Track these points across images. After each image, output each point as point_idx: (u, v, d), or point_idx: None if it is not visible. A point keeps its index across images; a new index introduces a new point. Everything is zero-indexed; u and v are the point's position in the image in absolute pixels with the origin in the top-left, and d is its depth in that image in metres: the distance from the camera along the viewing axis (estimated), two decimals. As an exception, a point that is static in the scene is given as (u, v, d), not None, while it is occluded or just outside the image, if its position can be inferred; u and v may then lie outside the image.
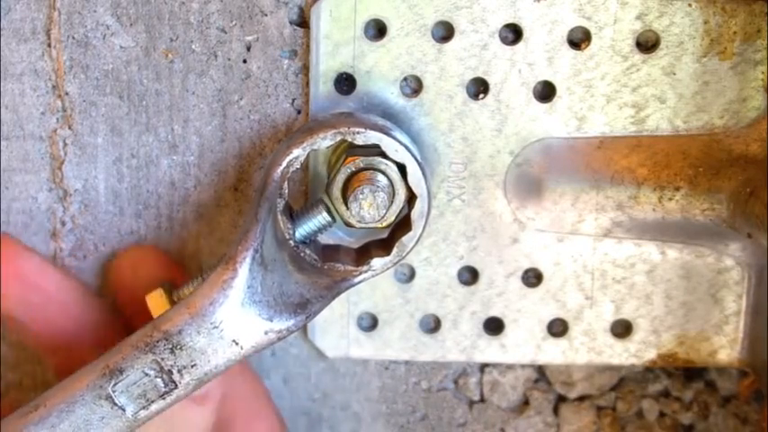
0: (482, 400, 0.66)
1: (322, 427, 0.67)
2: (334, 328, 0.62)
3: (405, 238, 0.56)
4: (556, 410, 0.66)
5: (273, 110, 0.60)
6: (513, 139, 0.59)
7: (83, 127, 0.61)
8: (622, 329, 0.63)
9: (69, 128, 0.61)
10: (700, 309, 0.62)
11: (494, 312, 0.62)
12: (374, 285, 0.61)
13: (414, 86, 0.59)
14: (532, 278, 0.62)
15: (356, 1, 0.57)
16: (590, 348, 0.63)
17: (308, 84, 0.59)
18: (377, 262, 0.56)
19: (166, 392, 0.53)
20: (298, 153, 0.54)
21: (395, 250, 0.56)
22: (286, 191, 0.54)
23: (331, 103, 0.58)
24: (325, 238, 0.59)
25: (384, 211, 0.55)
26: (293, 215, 0.56)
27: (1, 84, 0.60)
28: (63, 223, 0.63)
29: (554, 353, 0.63)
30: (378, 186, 0.54)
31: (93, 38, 0.59)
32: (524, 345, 0.63)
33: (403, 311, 0.62)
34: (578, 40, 0.58)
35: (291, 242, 0.56)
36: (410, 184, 0.55)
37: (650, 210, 0.59)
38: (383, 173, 0.55)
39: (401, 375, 0.66)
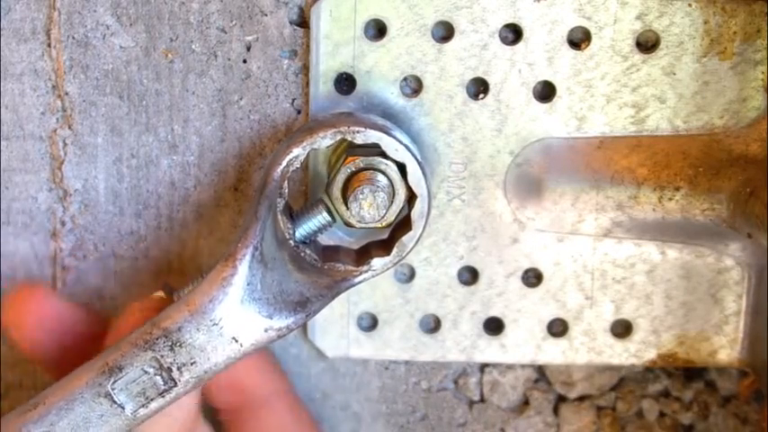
0: (482, 400, 0.66)
1: (322, 427, 0.66)
2: (334, 328, 0.62)
3: (405, 238, 0.56)
4: (556, 410, 0.66)
5: (273, 110, 0.60)
6: (513, 139, 0.59)
7: (83, 127, 0.61)
8: (622, 329, 0.63)
9: (69, 128, 0.61)
10: (700, 309, 0.62)
11: (494, 312, 0.62)
12: (374, 285, 0.61)
13: (414, 86, 0.59)
14: (532, 278, 0.62)
15: (356, 1, 0.57)
16: (590, 348, 0.63)
17: (308, 84, 0.59)
18: (377, 262, 0.56)
19: (166, 390, 0.53)
20: (298, 152, 0.54)
21: (395, 250, 0.56)
22: (286, 190, 0.54)
23: (331, 103, 0.58)
24: (325, 239, 0.59)
25: (384, 211, 0.55)
26: (293, 215, 0.56)
27: (1, 84, 0.60)
28: (63, 223, 0.63)
29: (554, 353, 0.63)
30: (378, 186, 0.54)
31: (93, 38, 0.59)
32: (524, 345, 0.63)
33: (403, 311, 0.62)
34: (578, 40, 0.58)
35: (291, 242, 0.56)
36: (410, 184, 0.55)
37: (650, 210, 0.59)
38: (383, 173, 0.55)
39: (401, 375, 0.66)
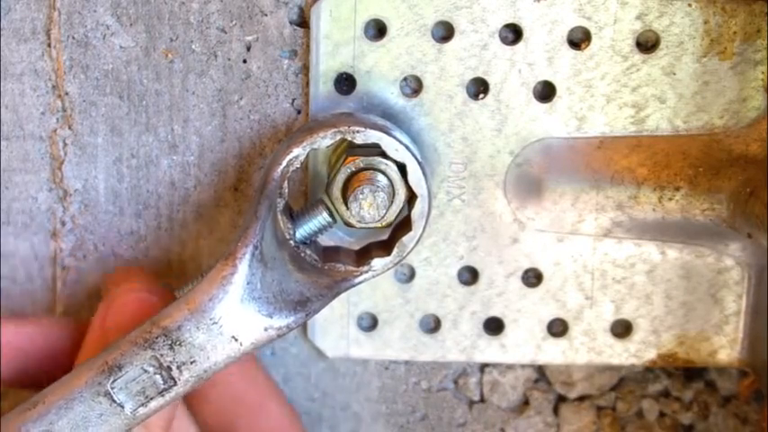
0: (482, 400, 0.66)
1: (322, 427, 0.66)
2: (334, 328, 0.62)
3: (405, 239, 0.56)
4: (556, 410, 0.66)
5: (273, 110, 0.60)
6: (513, 139, 0.59)
7: (83, 127, 0.61)
8: (622, 329, 0.62)
9: (69, 128, 0.61)
10: (700, 309, 0.62)
11: (494, 312, 0.62)
12: (374, 285, 0.61)
13: (414, 86, 0.59)
14: (532, 278, 0.62)
15: (356, 1, 0.57)
16: (590, 348, 0.63)
17: (308, 84, 0.59)
18: (377, 262, 0.56)
19: (165, 389, 0.53)
20: (298, 152, 0.54)
21: (395, 250, 0.56)
22: (286, 190, 0.54)
23: (331, 103, 0.58)
24: (325, 240, 0.59)
25: (384, 211, 0.55)
26: (293, 215, 0.56)
27: (1, 84, 0.60)
28: (63, 223, 0.63)
29: (554, 353, 0.63)
30: (378, 186, 0.54)
31: (93, 38, 0.59)
32: (524, 345, 0.63)
33: (403, 311, 0.62)
34: (578, 40, 0.58)
35: (292, 242, 0.56)
36: (411, 184, 0.55)
37: (650, 210, 0.59)
38: (383, 173, 0.55)
39: (401, 375, 0.66)
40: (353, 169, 0.55)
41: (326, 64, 0.58)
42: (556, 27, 0.57)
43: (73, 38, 0.59)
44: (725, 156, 0.59)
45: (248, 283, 0.52)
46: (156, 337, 0.52)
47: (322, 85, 0.58)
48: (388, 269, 0.56)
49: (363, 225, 0.55)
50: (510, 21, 0.57)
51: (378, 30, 0.58)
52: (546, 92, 0.58)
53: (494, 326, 0.62)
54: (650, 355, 0.63)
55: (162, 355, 0.52)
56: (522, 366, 0.65)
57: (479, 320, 0.62)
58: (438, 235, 0.61)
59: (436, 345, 0.63)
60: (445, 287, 0.62)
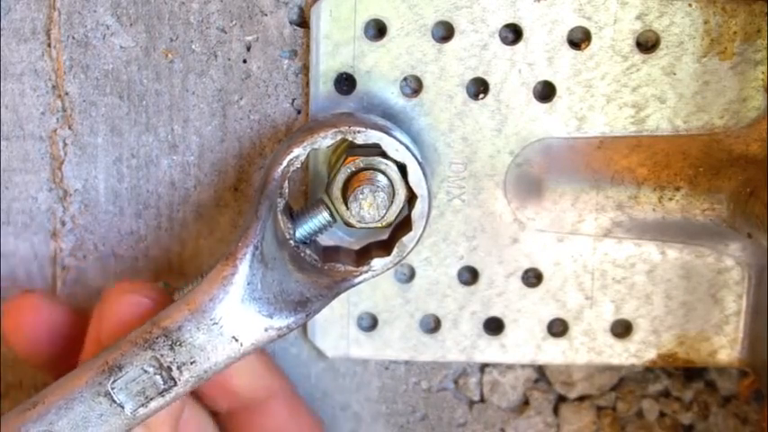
0: (482, 400, 0.66)
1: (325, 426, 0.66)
2: (334, 328, 0.62)
3: (405, 239, 0.56)
4: (556, 410, 0.66)
5: (273, 110, 0.60)
6: (513, 139, 0.59)
7: (83, 127, 0.61)
8: (622, 329, 0.62)
9: (69, 128, 0.61)
10: (700, 309, 0.62)
11: (494, 312, 0.62)
12: (374, 285, 0.61)
13: (414, 86, 0.59)
14: (532, 278, 0.62)
15: (356, 1, 0.57)
16: (590, 348, 0.63)
17: (308, 84, 0.59)
18: (377, 262, 0.56)
19: (165, 389, 0.53)
20: (298, 152, 0.54)
21: (395, 251, 0.56)
22: (286, 190, 0.54)
23: (331, 103, 0.58)
24: (325, 239, 0.59)
25: (384, 211, 0.55)
26: (293, 215, 0.56)
27: (1, 84, 0.60)
28: (63, 223, 0.63)
29: (554, 353, 0.63)
30: (378, 186, 0.54)
31: (93, 38, 0.59)
32: (524, 345, 0.63)
33: (403, 311, 0.62)
34: (578, 40, 0.58)
35: (292, 242, 0.56)
36: (411, 185, 0.55)
37: (650, 210, 0.59)
38: (383, 173, 0.55)
39: (401, 375, 0.66)
40: (353, 169, 0.55)
41: (326, 64, 0.58)
42: (556, 27, 0.57)
43: (73, 38, 0.59)
44: (725, 156, 0.58)
45: (249, 284, 0.52)
46: (157, 338, 0.52)
47: (322, 85, 0.58)
48: (388, 269, 0.56)
49: (363, 225, 0.55)
50: (510, 21, 0.57)
51: (378, 30, 0.58)
52: (546, 92, 0.58)
53: (494, 326, 0.62)
54: (650, 355, 0.63)
55: (162, 356, 0.52)
56: (522, 366, 0.65)
57: (479, 320, 0.62)
58: (438, 235, 0.61)
59: (436, 345, 0.63)
60: (445, 287, 0.62)
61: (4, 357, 0.65)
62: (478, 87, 0.58)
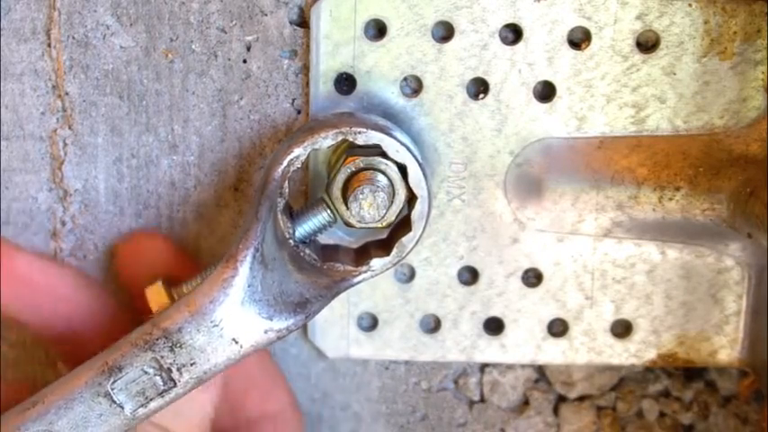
0: (482, 400, 0.66)
1: (322, 427, 0.67)
2: (335, 329, 0.62)
3: (404, 239, 0.56)
4: (556, 410, 0.66)
5: (273, 110, 0.60)
6: (513, 139, 0.59)
7: (83, 127, 0.61)
8: (622, 329, 0.63)
9: (69, 128, 0.61)
10: (700, 309, 0.62)
11: (494, 312, 0.62)
12: (374, 285, 0.61)
13: (414, 86, 0.59)
14: (532, 278, 0.62)
15: (356, 1, 0.57)
16: (590, 348, 0.63)
17: (308, 84, 0.59)
18: (376, 262, 0.56)
19: (165, 390, 0.53)
20: (299, 152, 0.54)
21: (394, 251, 0.56)
22: (286, 190, 0.54)
23: (331, 103, 0.58)
24: (324, 239, 0.59)
25: (384, 211, 0.55)
26: (293, 215, 0.56)
27: (1, 84, 0.60)
28: (63, 223, 0.63)
29: (554, 353, 0.63)
30: (378, 186, 0.54)
31: (93, 38, 0.59)
32: (524, 345, 0.63)
33: (403, 311, 0.62)
34: (578, 40, 0.58)
35: (291, 242, 0.56)
36: (411, 185, 0.55)
37: (650, 210, 0.59)
38: (383, 173, 0.55)
39: (401, 375, 0.66)
40: (353, 169, 0.55)
41: (326, 64, 0.58)
42: (556, 27, 0.57)
43: (73, 38, 0.59)
44: (725, 156, 0.58)
45: (249, 286, 0.52)
46: (157, 339, 0.52)
47: (322, 85, 0.58)
48: (387, 269, 0.56)
49: (363, 225, 0.55)
50: (510, 21, 0.57)
51: (378, 30, 0.58)
52: (546, 92, 0.58)
53: (494, 326, 0.62)
54: (650, 355, 0.63)
55: (162, 357, 0.52)
56: (522, 366, 0.65)
57: (479, 320, 0.62)
58: (438, 235, 0.61)
59: (436, 345, 0.63)
60: (445, 287, 0.62)
61: (4, 357, 0.65)
62: (478, 87, 0.58)
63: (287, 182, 0.54)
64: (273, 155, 0.55)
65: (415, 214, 0.55)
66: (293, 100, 0.60)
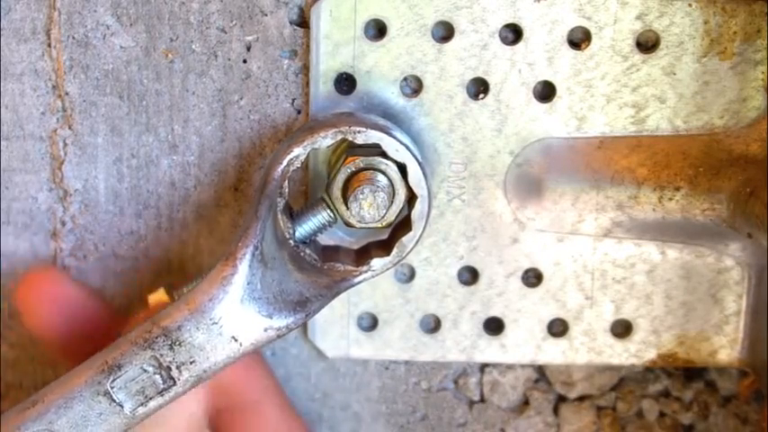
0: (482, 400, 0.66)
1: (322, 427, 0.66)
2: (335, 329, 0.62)
3: (405, 239, 0.56)
4: (556, 410, 0.66)
5: (273, 110, 0.60)
6: (513, 139, 0.59)
7: (83, 127, 0.61)
8: (622, 329, 0.62)
9: (69, 128, 0.61)
10: (700, 309, 0.62)
11: (494, 312, 0.62)
12: (374, 285, 0.61)
13: (414, 86, 0.59)
14: (532, 278, 0.62)
15: (356, 1, 0.57)
16: (590, 348, 0.63)
17: (308, 84, 0.59)
18: (377, 262, 0.56)
19: (165, 389, 0.53)
20: (298, 152, 0.54)
21: (395, 251, 0.56)
22: (286, 190, 0.54)
23: (331, 103, 0.58)
24: (324, 239, 0.59)
25: (384, 211, 0.55)
26: (293, 215, 0.56)
27: (1, 84, 0.60)
28: (63, 223, 0.63)
29: (554, 353, 0.63)
30: (378, 186, 0.54)
31: (93, 38, 0.59)
32: (524, 345, 0.63)
33: (403, 311, 0.62)
34: (578, 40, 0.58)
35: (291, 242, 0.56)
36: (411, 185, 0.55)
37: (650, 210, 0.59)
38: (383, 173, 0.55)
39: (401, 375, 0.66)
40: (353, 169, 0.55)
41: (326, 64, 0.58)
42: (556, 27, 0.57)
43: (73, 38, 0.59)
44: (725, 156, 0.58)
45: (248, 284, 0.52)
46: (156, 337, 0.52)
47: (322, 85, 0.58)
48: (388, 269, 0.56)
49: (363, 225, 0.55)
50: (510, 21, 0.57)
51: (378, 30, 0.58)
52: (546, 92, 0.58)
53: (494, 326, 0.62)
54: (650, 355, 0.63)
55: (162, 355, 0.52)
56: (522, 366, 0.65)
57: (479, 320, 0.62)
58: (438, 235, 0.61)
59: (436, 345, 0.63)
60: (445, 287, 0.62)
61: (4, 357, 0.65)
62: (478, 87, 0.58)
63: (287, 181, 0.54)
64: (273, 155, 0.55)
65: (415, 214, 0.55)
66: (293, 100, 0.60)
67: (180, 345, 0.52)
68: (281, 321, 0.53)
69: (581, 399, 0.66)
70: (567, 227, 0.60)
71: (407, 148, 0.55)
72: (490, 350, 0.63)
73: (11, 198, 0.62)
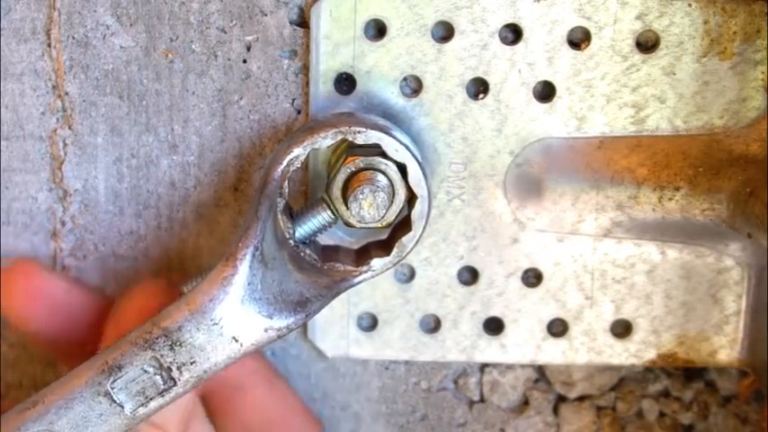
0: (482, 400, 0.66)
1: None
2: (335, 328, 0.62)
3: (404, 239, 0.56)
4: (556, 410, 0.66)
5: (273, 110, 0.60)
6: (513, 139, 0.59)
7: (83, 127, 0.61)
8: (622, 329, 0.62)
9: (69, 128, 0.61)
10: (700, 309, 0.62)
11: (494, 312, 0.62)
12: (374, 285, 0.61)
13: (414, 86, 0.59)
14: (532, 278, 0.62)
15: (356, 1, 0.57)
16: (590, 348, 0.63)
17: (308, 84, 0.59)
18: (377, 262, 0.56)
19: (165, 389, 0.53)
20: (298, 152, 0.54)
21: (395, 251, 0.56)
22: (286, 190, 0.54)
23: (331, 103, 0.58)
24: (324, 239, 0.59)
25: (384, 211, 0.55)
26: (293, 215, 0.56)
27: (1, 84, 0.60)
28: (63, 223, 0.63)
29: (554, 353, 0.63)
30: (378, 186, 0.54)
31: (93, 38, 0.59)
32: (524, 345, 0.63)
33: (403, 311, 0.62)
34: (578, 40, 0.58)
35: (291, 242, 0.56)
36: (411, 185, 0.55)
37: (650, 210, 0.59)
38: (383, 173, 0.55)
39: (401, 375, 0.66)
40: (353, 169, 0.55)
41: (326, 64, 0.58)
42: (556, 27, 0.57)
43: (73, 38, 0.59)
44: (725, 156, 0.58)
45: (249, 284, 0.52)
46: (157, 338, 0.52)
47: (322, 85, 0.58)
48: (388, 269, 0.56)
49: (363, 225, 0.55)
50: (510, 21, 0.57)
51: (378, 30, 0.58)
52: (546, 92, 0.58)
53: (494, 326, 0.62)
54: (650, 355, 0.63)
55: (162, 356, 0.52)
56: (522, 366, 0.65)
57: (479, 320, 0.62)
58: (438, 235, 0.61)
59: (436, 345, 0.63)
60: (445, 287, 0.62)
61: (4, 357, 0.65)
62: (478, 87, 0.58)
63: (287, 182, 0.54)
64: (273, 155, 0.55)
65: (415, 214, 0.55)
66: (293, 100, 0.60)
67: (180, 345, 0.52)
68: (281, 322, 0.53)
69: (581, 399, 0.66)
70: (566, 227, 0.60)
71: (407, 148, 0.55)
72: (490, 350, 0.63)
73: (11, 198, 0.62)
